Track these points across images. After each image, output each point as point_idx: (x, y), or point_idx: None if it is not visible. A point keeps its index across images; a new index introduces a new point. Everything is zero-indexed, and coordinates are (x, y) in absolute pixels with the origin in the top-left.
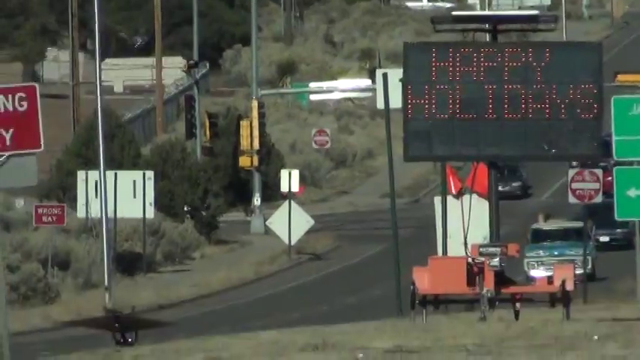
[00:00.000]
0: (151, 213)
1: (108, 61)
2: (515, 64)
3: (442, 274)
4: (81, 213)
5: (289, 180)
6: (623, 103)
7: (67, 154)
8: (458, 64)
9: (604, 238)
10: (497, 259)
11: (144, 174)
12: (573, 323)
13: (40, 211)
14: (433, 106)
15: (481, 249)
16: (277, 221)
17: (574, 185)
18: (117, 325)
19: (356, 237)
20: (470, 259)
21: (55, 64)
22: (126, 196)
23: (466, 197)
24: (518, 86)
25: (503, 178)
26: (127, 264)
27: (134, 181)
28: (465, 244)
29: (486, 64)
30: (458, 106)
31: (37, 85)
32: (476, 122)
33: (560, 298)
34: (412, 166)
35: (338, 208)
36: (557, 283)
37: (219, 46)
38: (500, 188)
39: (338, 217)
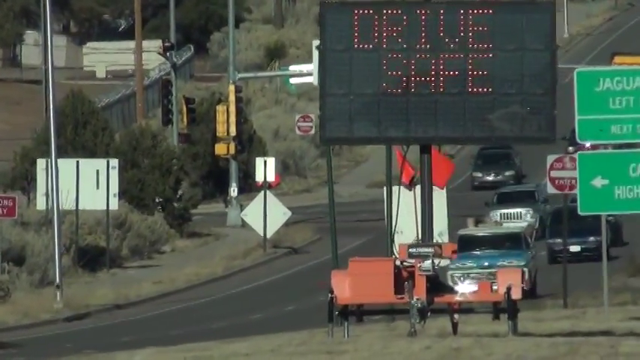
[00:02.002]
0: (115, 204)
1: (90, 45)
2: (452, 27)
3: (365, 279)
4: (41, 204)
5: (265, 169)
6: (588, 77)
7: (36, 142)
8: (384, 27)
9: (574, 248)
10: (430, 261)
11: (108, 162)
12: (515, 341)
13: None
14: (355, 79)
15: (410, 249)
16: (252, 213)
17: (553, 173)
18: None
19: (338, 229)
20: (398, 262)
21: (37, 48)
22: (88, 186)
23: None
24: (456, 55)
25: (496, 166)
26: (90, 259)
27: (97, 171)
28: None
29: (419, 27)
30: (384, 78)
31: None
32: (406, 98)
33: (506, 309)
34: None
35: (322, 199)
36: (501, 290)
37: (207, 28)
38: (492, 178)
39: (322, 209)
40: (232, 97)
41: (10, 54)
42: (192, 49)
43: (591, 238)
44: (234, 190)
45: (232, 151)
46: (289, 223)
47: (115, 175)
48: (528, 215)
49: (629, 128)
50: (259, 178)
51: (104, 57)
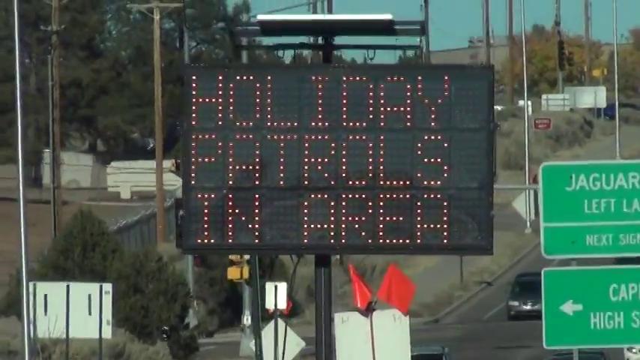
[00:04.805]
0: (108, 333)
1: (114, 164)
2: (359, 100)
3: None
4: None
5: (275, 295)
6: (557, 174)
7: (42, 265)
8: (269, 99)
9: None
10: None
11: (101, 287)
12: None
13: None
14: (229, 168)
15: None
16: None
17: None
18: None
19: None
20: None
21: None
22: (80, 312)
23: (379, 314)
24: (364, 136)
25: (534, 295)
26: None
27: (89, 296)
28: None
29: (314, 99)
30: (268, 166)
31: None
32: (296, 193)
33: None
34: (435, 279)
35: None
36: None
37: None
38: (529, 307)
39: None
40: None
41: (33, 174)
42: None
43: None
44: (247, 318)
45: (246, 275)
46: (307, 355)
47: (108, 300)
48: None
49: (609, 239)
50: (269, 304)
51: (129, 177)
